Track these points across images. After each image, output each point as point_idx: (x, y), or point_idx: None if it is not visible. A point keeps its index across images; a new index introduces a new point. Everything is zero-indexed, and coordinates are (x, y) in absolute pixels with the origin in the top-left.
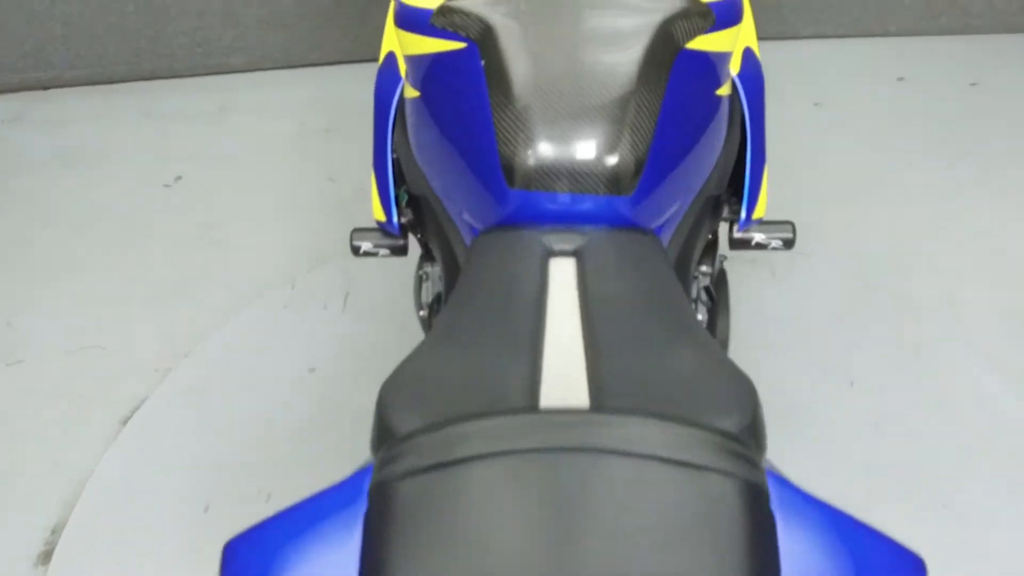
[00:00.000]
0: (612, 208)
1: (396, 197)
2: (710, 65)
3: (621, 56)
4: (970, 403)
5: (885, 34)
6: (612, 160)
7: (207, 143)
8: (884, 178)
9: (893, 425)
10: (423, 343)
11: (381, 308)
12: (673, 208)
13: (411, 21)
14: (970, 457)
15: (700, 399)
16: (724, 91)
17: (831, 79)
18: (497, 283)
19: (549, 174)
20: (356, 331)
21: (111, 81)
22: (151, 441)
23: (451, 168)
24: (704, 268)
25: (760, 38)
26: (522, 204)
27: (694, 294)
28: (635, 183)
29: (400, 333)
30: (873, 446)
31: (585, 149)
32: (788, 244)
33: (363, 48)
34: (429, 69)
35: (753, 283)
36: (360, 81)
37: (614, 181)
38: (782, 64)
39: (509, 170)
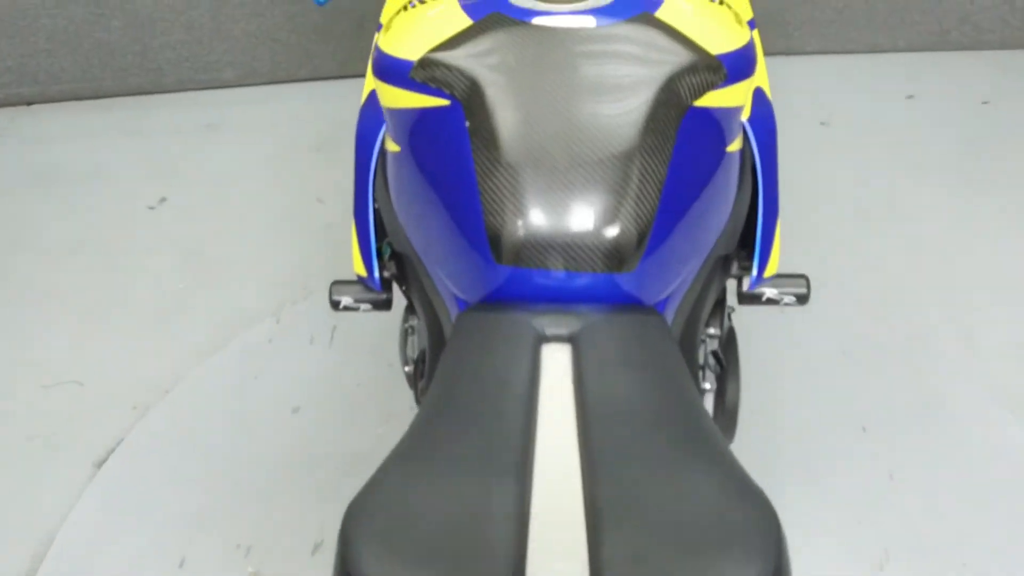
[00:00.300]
0: (612, 286)
1: (379, 249)
2: (721, 122)
3: (622, 117)
4: (990, 451)
5: (894, 49)
6: (612, 234)
7: (193, 161)
8: (894, 202)
9: (908, 475)
10: (397, 453)
11: (369, 343)
12: (679, 279)
13: (390, 72)
14: (992, 511)
15: (717, 551)
16: (735, 146)
17: (838, 97)
18: (483, 376)
19: (541, 249)
20: (343, 368)
21: (97, 96)
22: (126, 487)
23: (434, 235)
24: (711, 331)
25: (765, 54)
26: (511, 280)
27: (701, 360)
28: (638, 258)
29: (389, 370)
30: (888, 497)
31: (582, 222)
32: (802, 300)
33: (356, 63)
34: (409, 126)
35: (760, 317)
36: (352, 97)
37: (615, 257)
38: (787, 81)
39: (496, 244)
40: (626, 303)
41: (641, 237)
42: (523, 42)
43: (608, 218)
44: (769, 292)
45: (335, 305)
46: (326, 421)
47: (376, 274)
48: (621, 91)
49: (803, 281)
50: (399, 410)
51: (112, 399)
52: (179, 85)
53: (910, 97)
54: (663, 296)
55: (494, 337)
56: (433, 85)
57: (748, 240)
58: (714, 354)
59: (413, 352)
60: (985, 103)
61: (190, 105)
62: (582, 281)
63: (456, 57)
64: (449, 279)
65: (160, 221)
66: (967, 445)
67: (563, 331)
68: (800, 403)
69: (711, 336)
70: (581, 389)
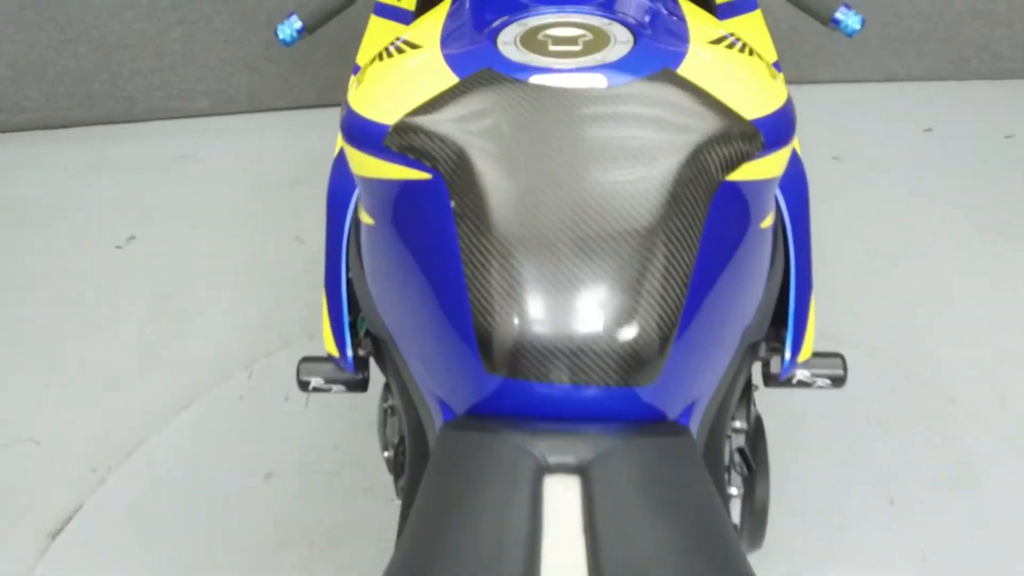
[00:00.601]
0: (628, 399)
1: (353, 323)
2: (755, 197)
3: (640, 197)
4: None
5: (910, 79)
6: (629, 340)
7: (165, 196)
8: (914, 245)
9: (945, 558)
10: None
11: (349, 401)
12: (705, 383)
13: (360, 136)
14: None
15: None
16: (768, 221)
17: (851, 130)
18: (473, 520)
19: (541, 358)
20: (320, 429)
21: (64, 126)
22: (82, 561)
23: (414, 330)
24: (738, 424)
25: None
26: (506, 392)
27: (726, 460)
28: (660, 367)
29: (370, 431)
30: None
31: (591, 325)
32: (837, 382)
33: (337, 92)
34: (384, 200)
35: None
36: (333, 128)
37: (633, 367)
38: (797, 112)
39: (487, 349)
40: (645, 419)
41: (664, 342)
42: (519, 105)
43: (624, 320)
44: (800, 374)
45: (303, 386)
46: (301, 489)
47: (349, 353)
48: (638, 166)
49: (839, 361)
50: (381, 478)
51: (70, 461)
52: (150, 114)
53: (928, 130)
54: (687, 405)
55: (486, 464)
56: (411, 156)
57: (777, 316)
58: (740, 452)
59: (393, 436)
60: (1009, 137)
61: (162, 135)
62: (592, 397)
63: (438, 122)
64: (432, 380)
65: (128, 261)
66: (1006, 520)
67: (570, 459)
68: (821, 473)
69: (737, 431)
70: (594, 542)
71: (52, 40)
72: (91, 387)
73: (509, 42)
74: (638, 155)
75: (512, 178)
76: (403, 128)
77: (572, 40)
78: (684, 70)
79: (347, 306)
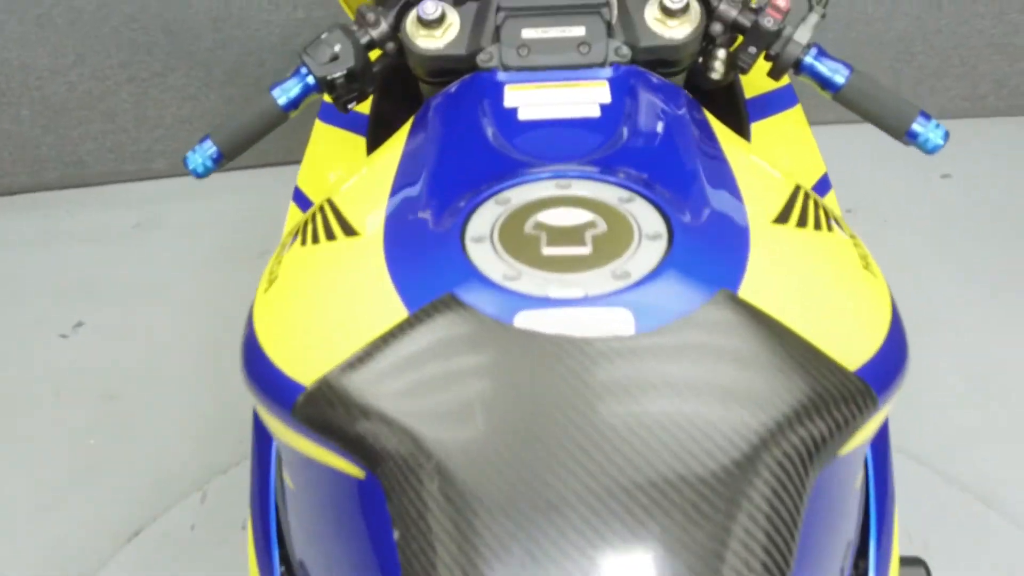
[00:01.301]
0: None
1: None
2: (854, 465)
3: (698, 529)
4: None
5: None
6: None
7: (117, 273)
8: (940, 312)
9: None
10: None
11: None
12: None
13: (264, 386)
14: None
15: None
16: (861, 478)
17: (861, 177)
18: None
19: None
20: None
21: (10, 192)
22: None
23: None
24: None
25: None
26: None
27: None
28: None
29: None
30: None
31: None
32: None
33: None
34: (303, 476)
35: None
36: None
37: None
38: None
39: None
40: None
41: None
42: (501, 368)
43: None
44: None
45: None
46: None
47: None
48: (695, 472)
49: (922, 572)
50: None
51: None
52: (104, 178)
53: (946, 176)
54: None
55: None
56: (334, 442)
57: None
58: None
59: None
60: None
61: (117, 201)
62: None
63: (375, 390)
64: None
65: (73, 353)
66: None
67: None
68: None
69: None
70: None
71: None
72: (21, 514)
73: (484, 238)
74: (692, 454)
75: (492, 504)
76: (322, 396)
77: (576, 234)
78: (749, 288)
79: (277, 539)
